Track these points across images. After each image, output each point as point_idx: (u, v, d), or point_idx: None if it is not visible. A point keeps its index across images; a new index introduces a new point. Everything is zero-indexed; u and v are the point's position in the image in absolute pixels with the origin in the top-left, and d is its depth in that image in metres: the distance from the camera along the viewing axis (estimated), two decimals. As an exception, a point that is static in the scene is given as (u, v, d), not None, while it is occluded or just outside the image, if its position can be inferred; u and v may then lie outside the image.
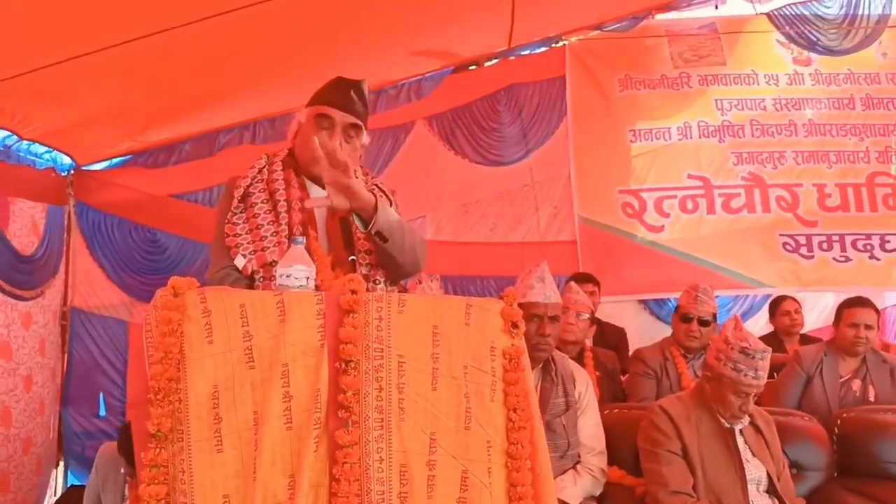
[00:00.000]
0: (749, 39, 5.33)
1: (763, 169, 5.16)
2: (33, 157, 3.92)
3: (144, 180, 4.44)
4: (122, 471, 3.03)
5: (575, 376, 2.62)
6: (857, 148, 5.18)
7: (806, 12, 5.20)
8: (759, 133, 5.21)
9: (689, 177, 5.19)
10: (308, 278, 1.49)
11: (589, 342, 3.58)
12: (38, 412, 3.95)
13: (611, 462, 2.62)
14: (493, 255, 5.02)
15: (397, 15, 3.78)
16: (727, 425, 2.43)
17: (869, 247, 5.00)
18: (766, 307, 4.81)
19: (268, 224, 1.74)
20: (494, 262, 4.96)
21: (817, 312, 5.10)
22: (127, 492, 3.07)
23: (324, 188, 1.82)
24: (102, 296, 4.40)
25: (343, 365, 1.36)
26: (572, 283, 3.58)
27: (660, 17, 5.31)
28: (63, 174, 4.24)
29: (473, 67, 5.10)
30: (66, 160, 4.21)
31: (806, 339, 4.39)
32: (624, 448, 2.65)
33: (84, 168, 4.35)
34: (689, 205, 5.14)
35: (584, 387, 2.62)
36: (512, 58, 5.17)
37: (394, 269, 1.78)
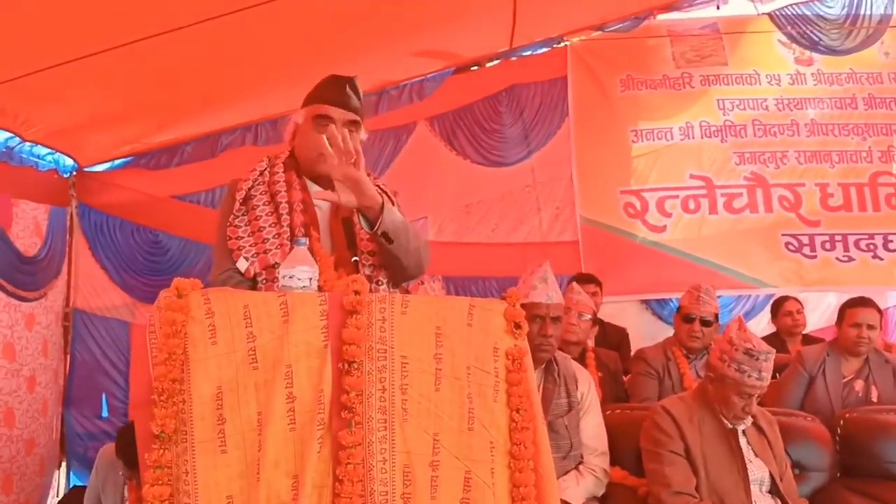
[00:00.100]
0: (751, 39, 5.33)
1: (765, 169, 5.16)
2: (36, 159, 3.92)
3: (147, 182, 4.44)
4: (121, 473, 3.04)
5: (577, 377, 2.62)
6: (859, 147, 5.18)
7: (808, 12, 5.20)
8: (761, 133, 5.20)
9: (691, 177, 5.18)
10: (311, 279, 1.49)
11: (591, 343, 3.58)
12: (41, 413, 3.95)
13: (613, 462, 2.62)
14: (494, 255, 5.01)
15: (399, 15, 3.78)
16: (730, 426, 2.43)
17: (872, 246, 5.00)
18: (768, 307, 4.80)
19: (269, 226, 1.74)
20: (496, 262, 4.96)
21: (819, 313, 5.10)
22: (126, 493, 3.07)
23: (325, 189, 1.83)
24: (105, 297, 4.41)
25: (346, 366, 1.36)
26: (574, 284, 3.58)
27: (661, 17, 5.31)
28: (65, 175, 4.25)
29: (475, 68, 5.10)
30: (69, 162, 4.22)
31: (808, 340, 4.38)
32: (626, 448, 2.65)
33: (86, 169, 4.36)
34: (692, 205, 5.14)
35: (587, 387, 2.62)
36: (513, 58, 5.17)
37: (398, 271, 1.77)
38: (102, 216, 4.39)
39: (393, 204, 1.83)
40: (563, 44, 5.24)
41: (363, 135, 1.85)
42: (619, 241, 5.06)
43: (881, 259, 4.98)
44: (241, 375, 1.35)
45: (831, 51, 5.20)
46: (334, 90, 1.82)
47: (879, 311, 3.27)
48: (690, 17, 5.38)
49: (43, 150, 3.94)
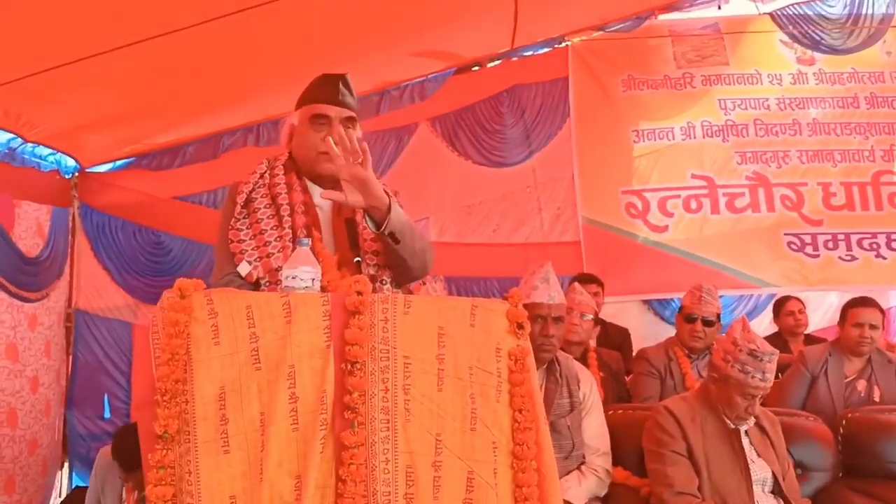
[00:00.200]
0: (752, 39, 5.32)
1: (767, 168, 5.16)
2: (38, 160, 3.93)
3: (148, 182, 4.45)
4: (118, 475, 3.04)
5: (579, 377, 2.62)
6: (861, 147, 5.17)
7: (809, 12, 5.19)
8: (762, 132, 5.20)
9: (693, 176, 5.18)
10: (314, 280, 1.49)
11: (593, 343, 3.58)
12: (43, 414, 3.96)
13: (615, 463, 2.62)
14: (496, 256, 5.01)
15: (400, 16, 3.78)
16: (732, 426, 2.43)
17: (875, 245, 4.99)
18: (770, 307, 4.80)
19: (271, 229, 1.73)
20: (498, 263, 4.96)
21: (821, 312, 5.09)
22: (125, 495, 3.07)
23: (326, 189, 1.83)
24: (107, 298, 4.42)
25: (349, 366, 1.36)
26: (576, 284, 3.58)
27: (663, 17, 5.31)
28: (67, 176, 4.26)
29: (476, 68, 5.11)
30: (71, 162, 4.23)
31: (810, 340, 4.38)
32: (629, 449, 2.65)
33: (88, 170, 4.37)
34: (693, 204, 5.13)
35: (589, 387, 2.62)
36: (515, 59, 5.17)
37: (403, 271, 1.77)
38: (104, 217, 4.40)
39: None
40: (564, 44, 5.24)
41: (359, 131, 1.85)
42: (621, 241, 5.06)
43: (884, 258, 4.97)
44: (243, 376, 1.35)
45: (833, 50, 5.19)
46: (328, 88, 1.82)
47: (882, 310, 3.26)
48: (692, 17, 5.38)
49: (45, 151, 3.95)
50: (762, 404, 2.48)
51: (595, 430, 2.58)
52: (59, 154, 4.08)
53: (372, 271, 1.74)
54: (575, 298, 3.27)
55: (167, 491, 1.30)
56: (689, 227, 5.11)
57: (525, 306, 1.52)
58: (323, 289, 1.56)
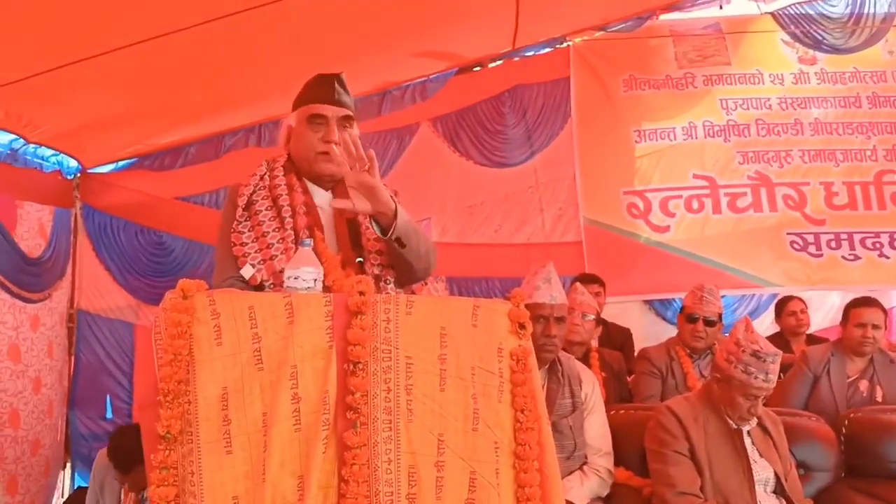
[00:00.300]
0: (754, 39, 5.32)
1: (769, 168, 5.15)
2: (40, 161, 3.94)
3: (150, 183, 4.46)
4: (115, 476, 3.03)
5: (581, 377, 2.62)
6: (864, 146, 5.17)
7: (811, 11, 5.19)
8: (764, 132, 5.20)
9: (695, 176, 5.18)
10: (316, 280, 1.49)
11: (595, 343, 3.58)
12: (46, 414, 3.96)
13: (617, 463, 2.62)
14: (498, 256, 5.01)
15: (402, 16, 3.79)
16: (735, 426, 2.42)
17: (878, 245, 4.99)
18: (771, 307, 4.79)
19: (273, 231, 1.73)
20: (499, 263, 4.96)
21: (823, 312, 5.09)
22: (123, 497, 3.07)
23: (326, 190, 1.83)
24: (109, 298, 4.42)
25: (351, 366, 1.36)
26: (578, 284, 3.58)
27: (664, 17, 5.31)
28: (69, 177, 4.27)
29: (478, 69, 5.11)
30: (73, 163, 4.24)
31: (812, 340, 4.37)
32: (631, 449, 2.65)
33: (90, 171, 4.37)
34: (695, 205, 5.13)
35: (591, 388, 2.62)
36: (516, 59, 5.17)
37: (407, 273, 1.78)
38: (106, 217, 4.40)
39: None
40: (565, 44, 5.24)
41: (356, 130, 1.85)
42: (623, 241, 5.06)
43: (887, 257, 4.97)
44: (246, 376, 1.35)
45: (835, 50, 5.19)
46: (323, 88, 1.82)
47: (884, 310, 3.26)
48: (693, 17, 5.38)
49: (47, 152, 3.96)
50: (764, 404, 2.48)
51: (597, 430, 2.58)
52: (61, 155, 4.09)
53: (376, 271, 1.74)
54: (577, 298, 3.27)
55: (170, 492, 1.30)
56: (690, 228, 5.10)
57: (527, 306, 1.52)
58: (328, 288, 1.56)
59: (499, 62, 5.17)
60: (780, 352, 2.38)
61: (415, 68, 4.73)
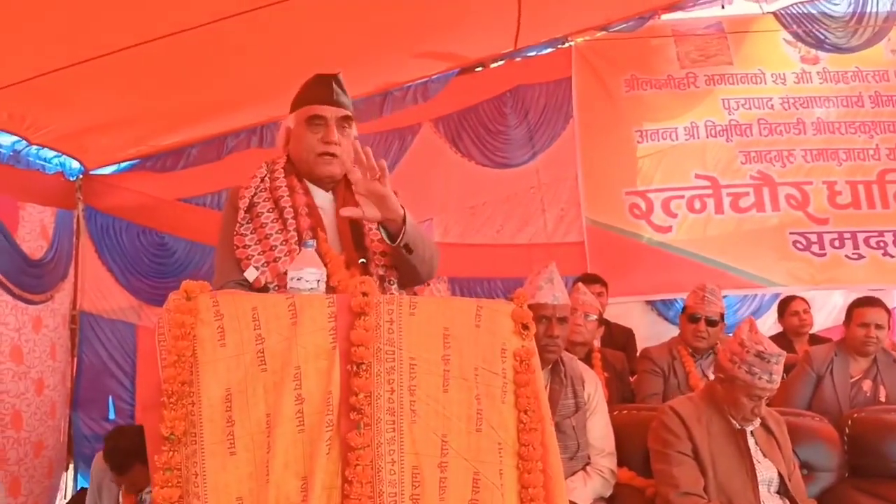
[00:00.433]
0: (756, 39, 5.32)
1: (771, 167, 5.15)
2: (42, 162, 3.94)
3: (153, 184, 4.46)
4: (111, 479, 3.02)
5: (584, 377, 2.62)
6: (866, 145, 5.16)
7: (813, 11, 5.18)
8: (767, 132, 5.19)
9: (697, 177, 5.17)
10: (319, 281, 1.49)
11: (597, 343, 3.58)
12: (49, 415, 3.97)
13: (620, 463, 2.61)
14: (500, 256, 5.01)
15: (404, 17, 3.79)
16: (738, 426, 2.42)
17: (882, 244, 4.98)
18: (774, 307, 4.78)
19: (276, 233, 1.73)
20: (501, 263, 4.96)
21: (826, 312, 5.08)
22: (121, 499, 3.06)
23: (327, 191, 1.83)
24: (111, 299, 4.42)
25: (355, 367, 1.36)
26: (580, 284, 3.57)
27: (666, 17, 5.30)
28: (72, 178, 4.27)
29: (480, 69, 5.11)
30: (75, 165, 4.24)
31: (815, 339, 4.37)
32: (634, 449, 2.64)
33: (93, 172, 4.38)
34: (697, 205, 5.13)
35: (594, 388, 2.62)
36: (518, 59, 5.17)
37: (411, 277, 1.78)
38: (109, 219, 4.41)
39: None
40: (567, 44, 5.24)
41: (355, 130, 1.85)
42: (625, 241, 5.05)
43: (891, 256, 4.96)
44: (249, 377, 1.35)
45: (837, 49, 5.18)
46: (321, 89, 1.82)
47: (887, 310, 3.25)
48: (695, 17, 5.37)
49: (49, 154, 3.97)
50: (767, 404, 2.48)
51: (600, 430, 2.57)
52: (64, 156, 4.10)
53: (381, 272, 1.74)
54: (579, 299, 3.26)
55: (174, 493, 1.30)
56: (693, 228, 5.10)
57: (530, 307, 1.52)
58: (333, 289, 1.56)
59: (500, 62, 5.16)
60: (784, 352, 2.38)
61: (416, 69, 4.73)
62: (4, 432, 3.57)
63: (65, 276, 4.16)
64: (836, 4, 5.17)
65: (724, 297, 3.48)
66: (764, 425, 2.47)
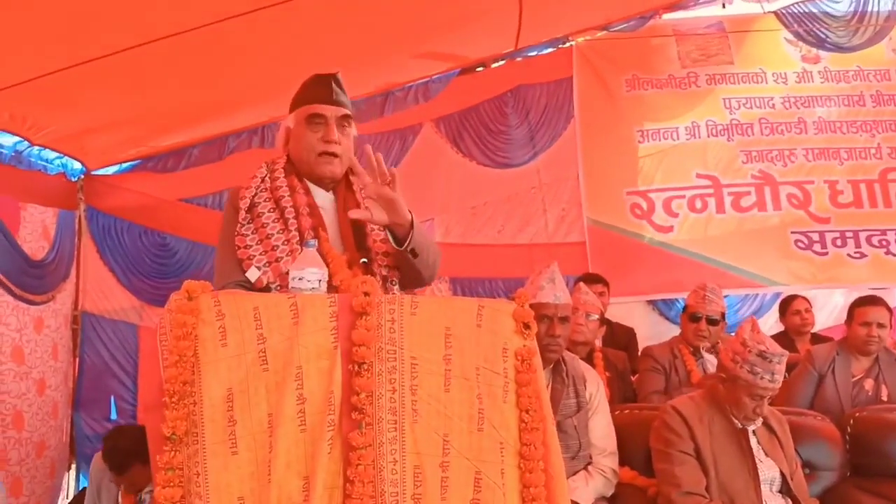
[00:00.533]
0: (757, 38, 5.32)
1: (773, 167, 5.14)
2: (44, 163, 3.95)
3: (154, 185, 4.47)
4: (110, 479, 3.02)
5: (586, 377, 2.61)
6: (868, 144, 5.16)
7: (814, 10, 5.18)
8: (768, 131, 5.19)
9: (698, 176, 5.17)
10: (320, 281, 1.49)
11: (598, 343, 3.57)
12: (51, 416, 3.97)
13: (622, 463, 2.61)
14: (501, 256, 5.01)
15: (405, 17, 3.79)
16: (740, 426, 2.42)
17: (885, 242, 4.97)
18: (775, 307, 4.78)
19: (277, 233, 1.73)
20: (503, 263, 4.96)
21: (827, 311, 5.07)
22: (120, 499, 3.06)
23: (328, 191, 1.83)
24: (113, 300, 4.43)
25: (356, 367, 1.36)
26: (581, 284, 3.57)
27: (667, 16, 5.31)
28: (73, 179, 4.28)
29: (481, 69, 5.11)
30: (77, 165, 4.25)
31: (817, 339, 4.36)
32: (636, 449, 2.64)
33: (94, 173, 4.39)
34: (698, 204, 5.12)
35: (595, 387, 2.62)
36: (519, 59, 5.17)
37: (415, 280, 1.79)
38: (110, 219, 4.42)
39: None
40: (568, 44, 5.24)
41: (354, 129, 1.85)
42: (626, 241, 5.05)
43: (893, 255, 4.95)
44: (251, 377, 1.35)
45: (838, 48, 5.18)
46: (321, 88, 1.82)
47: (889, 309, 3.24)
48: (696, 17, 5.37)
49: (51, 154, 3.97)
50: (770, 404, 2.47)
51: (602, 430, 2.57)
52: (65, 157, 4.10)
53: (384, 272, 1.74)
54: (580, 298, 3.26)
55: (176, 492, 1.31)
56: (694, 227, 5.09)
57: (531, 306, 1.52)
58: (335, 288, 1.56)
59: (501, 62, 5.16)
60: (787, 352, 2.37)
61: (417, 69, 4.73)
62: (6, 433, 3.58)
63: (66, 276, 4.17)
64: (837, 3, 5.17)
65: (726, 296, 3.48)
66: (766, 425, 2.46)
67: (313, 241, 1.56)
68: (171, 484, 1.31)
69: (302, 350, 1.36)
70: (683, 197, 5.14)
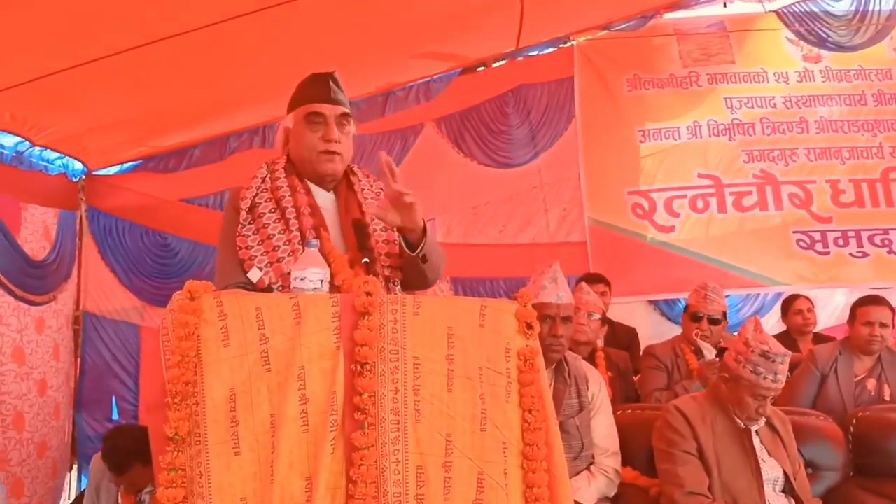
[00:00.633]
0: (758, 37, 5.31)
1: (774, 166, 5.14)
2: (45, 163, 3.95)
3: (155, 185, 4.47)
4: (110, 480, 3.02)
5: (588, 377, 2.61)
6: (869, 144, 5.15)
7: (815, 9, 5.18)
8: (769, 131, 5.18)
9: (700, 176, 5.16)
10: (322, 281, 1.49)
11: (600, 342, 3.57)
12: (52, 416, 3.97)
13: (625, 463, 2.61)
14: (502, 256, 5.01)
15: (405, 17, 3.79)
16: (743, 426, 2.41)
17: (886, 241, 4.96)
18: (777, 306, 4.77)
19: (279, 233, 1.72)
20: (504, 263, 4.96)
21: (829, 311, 5.06)
22: (120, 499, 3.05)
23: (328, 190, 1.83)
24: (114, 300, 4.43)
25: (359, 367, 1.36)
26: (583, 284, 3.57)
27: (668, 16, 5.30)
28: (74, 179, 4.28)
29: (482, 69, 5.10)
30: (78, 165, 4.25)
31: (819, 338, 4.35)
32: (638, 449, 2.64)
33: (95, 173, 4.38)
34: (700, 204, 5.12)
35: (598, 387, 2.61)
36: (520, 59, 5.17)
37: (419, 283, 1.80)
38: (111, 219, 4.41)
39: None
40: (569, 44, 5.23)
41: (353, 128, 1.85)
42: (628, 241, 5.05)
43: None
44: (253, 377, 1.35)
45: (840, 47, 5.17)
46: (319, 87, 1.82)
47: (892, 308, 3.24)
48: (697, 16, 5.37)
49: (52, 155, 3.97)
50: (772, 403, 2.47)
51: (604, 430, 2.57)
52: (66, 157, 4.10)
53: (387, 272, 1.74)
54: (582, 298, 3.26)
55: (178, 493, 1.30)
56: (695, 227, 5.09)
57: (533, 306, 1.52)
58: (338, 288, 1.56)
59: (502, 62, 5.16)
60: (790, 352, 2.37)
61: (418, 69, 4.73)
62: (6, 433, 3.57)
63: (68, 276, 4.17)
64: (838, 3, 5.17)
65: (727, 296, 3.47)
66: (769, 424, 2.46)
67: (315, 241, 1.56)
68: (174, 484, 1.31)
69: (304, 350, 1.36)
70: (685, 197, 5.14)
